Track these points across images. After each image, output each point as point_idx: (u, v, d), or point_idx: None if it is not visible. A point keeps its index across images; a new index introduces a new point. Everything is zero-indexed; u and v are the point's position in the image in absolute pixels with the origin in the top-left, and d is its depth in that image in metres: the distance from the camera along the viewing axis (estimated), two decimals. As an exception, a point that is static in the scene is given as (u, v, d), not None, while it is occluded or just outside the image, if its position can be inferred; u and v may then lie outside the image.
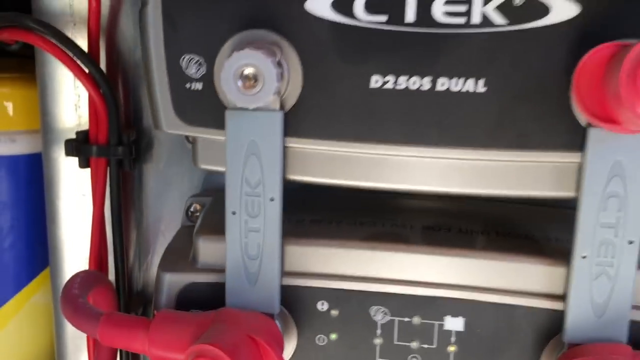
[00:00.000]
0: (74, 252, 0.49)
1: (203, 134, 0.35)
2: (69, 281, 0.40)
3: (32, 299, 0.54)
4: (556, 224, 0.39)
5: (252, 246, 0.35)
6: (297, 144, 0.34)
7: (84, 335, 0.49)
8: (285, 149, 0.34)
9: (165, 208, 0.48)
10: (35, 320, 0.54)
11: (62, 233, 0.49)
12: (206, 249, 0.37)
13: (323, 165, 0.35)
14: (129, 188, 0.48)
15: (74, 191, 0.48)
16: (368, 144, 0.33)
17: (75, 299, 0.39)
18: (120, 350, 0.48)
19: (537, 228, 0.38)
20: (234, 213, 0.35)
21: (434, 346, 0.36)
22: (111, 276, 0.47)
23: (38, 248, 0.53)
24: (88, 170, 0.46)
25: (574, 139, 0.32)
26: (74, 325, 0.38)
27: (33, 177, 0.51)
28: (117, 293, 0.47)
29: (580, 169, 0.32)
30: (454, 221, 0.39)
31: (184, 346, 0.34)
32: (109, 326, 0.36)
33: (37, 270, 0.54)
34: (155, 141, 0.47)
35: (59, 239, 0.49)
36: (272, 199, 0.34)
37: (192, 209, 0.45)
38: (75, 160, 0.46)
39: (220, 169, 0.35)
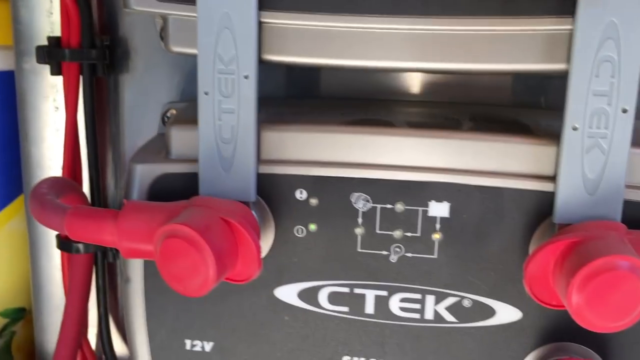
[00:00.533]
0: (48, 171, 0.47)
1: (173, 10, 0.33)
2: (38, 183, 0.38)
3: (7, 225, 0.52)
4: (548, 117, 0.37)
5: (225, 129, 0.33)
6: (273, 19, 0.32)
7: (59, 260, 0.47)
8: (260, 25, 0.33)
9: (143, 120, 0.46)
10: (11, 247, 0.52)
11: (35, 150, 0.47)
12: (179, 139, 0.35)
13: (300, 42, 0.33)
14: (104, 100, 0.46)
15: (47, 105, 0.46)
16: (347, 16, 0.32)
17: (42, 196, 0.37)
18: (96, 267, 0.46)
19: (529, 118, 0.36)
20: (206, 93, 0.33)
21: (417, 234, 0.34)
22: (86, 192, 0.46)
23: (13, 171, 0.51)
24: (62, 82, 0.44)
25: (564, 2, 0.30)
26: (41, 221, 0.36)
27: (6, 96, 0.49)
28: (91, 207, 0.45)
29: (571, 35, 0.30)
30: (438, 113, 0.37)
31: (153, 234, 0.32)
32: (76, 219, 0.34)
33: (13, 195, 0.52)
34: (131, 49, 0.45)
35: (32, 157, 0.47)
36: (246, 77, 0.33)
37: (168, 115, 0.43)
38: (48, 71, 0.44)
39: (194, 51, 0.34)
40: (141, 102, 0.46)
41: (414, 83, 0.43)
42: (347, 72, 0.44)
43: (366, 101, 0.41)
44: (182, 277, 0.31)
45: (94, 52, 0.43)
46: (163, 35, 0.35)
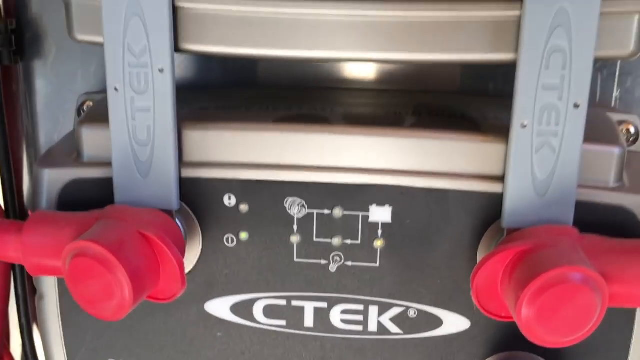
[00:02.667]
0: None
1: (75, -6, 0.29)
2: None
3: None
4: (496, 108, 0.35)
5: (141, 129, 0.30)
6: (190, 3, 0.28)
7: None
8: (175, 11, 0.29)
9: (59, 112, 0.41)
10: None
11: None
12: (91, 140, 0.32)
13: (222, 30, 0.29)
14: (14, 89, 0.41)
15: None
16: (276, 0, 0.28)
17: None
18: (14, 276, 0.42)
19: (475, 109, 0.34)
20: (116, 89, 0.29)
21: (358, 242, 0.31)
22: (-2, 194, 0.42)
23: None
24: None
25: (513, -14, 0.27)
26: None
27: None
28: (5, 212, 0.41)
29: (519, 22, 0.27)
30: (381, 104, 0.34)
31: (62, 249, 0.29)
32: (-26, 233, 0.31)
33: None
34: (42, 33, 0.40)
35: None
36: (161, 70, 0.29)
37: (84, 108, 0.39)
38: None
39: (100, 39, 0.30)
40: (56, 92, 0.41)
41: (357, 70, 0.40)
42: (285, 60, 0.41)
43: (303, 91, 0.38)
44: (95, 300, 0.28)
45: (-2, 38, 0.38)
46: (66, 20, 0.31)
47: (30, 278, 0.44)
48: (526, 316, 0.26)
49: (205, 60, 0.41)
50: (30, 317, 0.44)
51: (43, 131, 0.42)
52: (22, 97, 0.41)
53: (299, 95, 0.37)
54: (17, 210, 0.42)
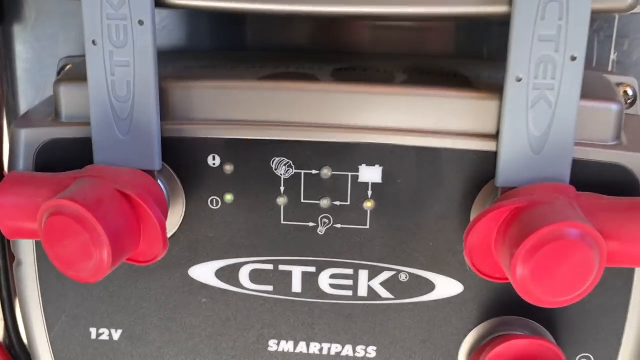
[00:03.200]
0: None
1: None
2: None
3: None
4: (489, 68, 0.33)
5: (120, 85, 0.28)
6: (171, -49, 0.27)
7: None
8: (155, -43, 0.27)
9: (39, 77, 0.40)
10: None
11: None
12: (69, 98, 0.30)
13: (205, -19, 0.28)
14: (-7, 54, 0.40)
15: None
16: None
17: None
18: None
19: (467, 69, 0.32)
20: (94, 43, 0.28)
21: (347, 203, 0.30)
22: (-22, 160, 0.40)
23: None
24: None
25: None
26: None
27: None
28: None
29: (514, -29, 0.26)
30: (372, 65, 0.33)
31: (38, 210, 0.28)
32: (-53, 194, 0.29)
33: None
34: (21, -5, 0.39)
35: None
36: (140, 22, 0.27)
37: (66, 71, 0.37)
38: None
39: (78, -8, 0.28)
40: (36, 56, 0.40)
41: (349, 34, 0.39)
42: (275, 23, 0.40)
43: (292, 53, 0.37)
44: (72, 261, 0.27)
45: (-26, -2, 0.37)
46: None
47: (9, 247, 0.43)
48: (521, 274, 0.25)
49: (192, 24, 0.39)
50: (11, 290, 0.43)
51: (23, 97, 0.41)
52: (2, 62, 0.40)
53: (287, 56, 0.35)
54: (-2, 178, 0.41)
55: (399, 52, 0.38)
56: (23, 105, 0.41)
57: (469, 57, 0.38)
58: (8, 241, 0.41)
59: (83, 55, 0.37)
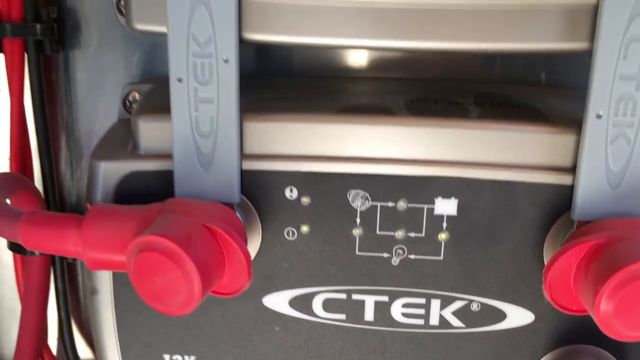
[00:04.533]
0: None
1: (137, -18, 0.28)
2: (-18, 182, 0.33)
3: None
4: (556, 98, 0.34)
5: (204, 121, 0.29)
6: (256, -8, 0.28)
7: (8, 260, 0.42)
8: (240, 0, 0.28)
9: (99, 103, 0.40)
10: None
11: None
12: (149, 131, 0.31)
13: (287, 19, 0.28)
14: (54, 79, 0.40)
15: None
16: (343, -11, 0.27)
17: (-11, 199, 0.32)
18: (54, 270, 0.41)
19: (538, 100, 0.33)
20: (179, 80, 0.28)
21: (422, 234, 0.31)
22: (38, 185, 0.41)
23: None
24: (4, 62, 0.38)
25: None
26: (-11, 230, 0.31)
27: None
28: (45, 204, 0.40)
29: (595, 10, 0.27)
30: (441, 94, 0.33)
31: (124, 244, 0.28)
32: (32, 225, 0.30)
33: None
34: (82, 22, 0.39)
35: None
36: (226, 61, 0.28)
37: (130, 99, 0.38)
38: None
39: (162, 28, 0.29)
40: (96, 82, 0.40)
41: (396, 57, 0.40)
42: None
43: (355, 81, 0.37)
44: (163, 295, 0.27)
45: (40, 26, 0.37)
46: (123, 9, 0.30)
47: (70, 271, 0.44)
48: (605, 311, 0.26)
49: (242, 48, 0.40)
50: (69, 312, 0.43)
51: (82, 122, 0.41)
52: (62, 87, 0.40)
53: (350, 86, 0.36)
54: (57, 201, 0.41)
55: (461, 78, 0.39)
56: (82, 129, 0.41)
57: (529, 83, 0.38)
58: (63, 266, 0.42)
59: (145, 82, 0.39)
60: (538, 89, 0.36)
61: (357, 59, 0.39)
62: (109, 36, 0.39)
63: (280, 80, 0.38)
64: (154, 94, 0.35)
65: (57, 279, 0.42)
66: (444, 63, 0.39)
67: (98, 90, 0.40)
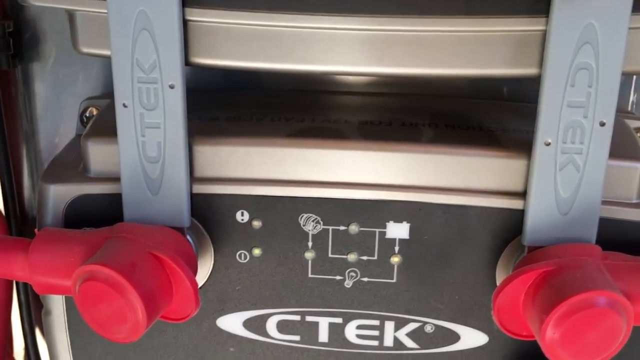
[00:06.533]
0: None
1: (79, 6, 0.28)
2: None
3: None
4: (514, 116, 0.34)
5: (150, 146, 0.29)
6: (201, 17, 0.27)
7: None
8: (186, 23, 0.27)
9: (59, 116, 0.40)
10: None
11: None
12: (98, 154, 0.30)
13: (233, 44, 0.28)
14: (13, 93, 0.40)
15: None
16: (290, 14, 0.27)
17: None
18: (17, 283, 0.41)
19: (492, 120, 0.33)
20: (125, 105, 0.28)
21: (374, 258, 0.30)
22: (-2, 199, 0.40)
23: None
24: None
25: (537, 0, 0.26)
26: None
27: None
28: (6, 218, 0.40)
29: (544, 37, 0.27)
30: (395, 115, 0.33)
31: (71, 269, 0.28)
32: (-21, 251, 0.30)
33: None
34: (40, 35, 0.39)
35: None
36: (171, 86, 0.28)
37: (87, 114, 0.37)
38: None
39: (107, 52, 0.28)
40: (56, 96, 0.40)
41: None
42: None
43: (312, 96, 0.37)
44: (108, 323, 0.27)
45: (-5, 41, 0.37)
46: (70, 31, 0.30)
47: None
48: (550, 339, 0.26)
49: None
50: (33, 323, 0.43)
51: (43, 135, 0.41)
52: (22, 101, 0.40)
53: (308, 102, 0.36)
54: (18, 215, 0.41)
55: (417, 93, 0.38)
56: (42, 143, 0.41)
57: (490, 96, 0.38)
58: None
59: (103, 97, 0.38)
60: (497, 105, 0.36)
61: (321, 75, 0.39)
62: (67, 49, 0.39)
63: (238, 94, 0.37)
64: (107, 113, 0.34)
65: (20, 292, 0.42)
66: (403, 79, 0.38)
67: (57, 103, 0.40)
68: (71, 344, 0.33)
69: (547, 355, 0.26)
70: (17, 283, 0.42)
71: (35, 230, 0.30)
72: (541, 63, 0.27)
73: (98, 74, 0.39)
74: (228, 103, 0.35)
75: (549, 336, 0.26)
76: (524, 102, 0.37)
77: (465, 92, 0.38)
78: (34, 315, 0.43)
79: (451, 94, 0.38)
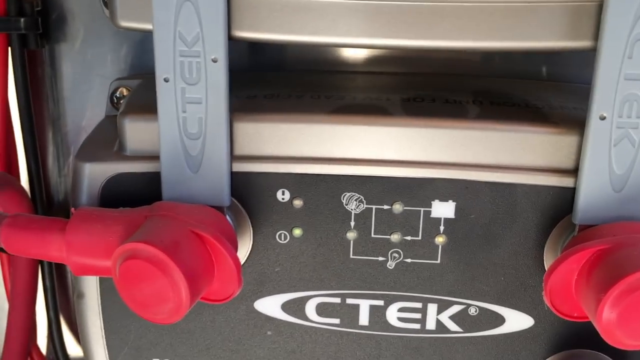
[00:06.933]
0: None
1: (120, -23, 0.27)
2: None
3: None
4: (559, 94, 0.33)
5: (192, 122, 0.28)
6: (245, -13, 0.27)
7: None
8: (229, -5, 0.27)
9: (86, 98, 0.39)
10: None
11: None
12: (135, 132, 0.30)
13: (278, 16, 0.27)
14: (40, 74, 0.39)
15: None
16: (336, -15, 0.26)
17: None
18: (42, 267, 0.40)
19: (537, 98, 0.32)
20: (166, 80, 0.27)
21: (418, 238, 0.30)
22: (24, 182, 0.40)
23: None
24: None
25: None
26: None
27: None
28: (32, 202, 0.39)
29: (599, 8, 0.26)
30: (438, 92, 0.32)
31: (110, 249, 0.27)
32: (14, 230, 0.29)
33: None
34: (68, 15, 0.38)
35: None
36: (214, 60, 0.27)
37: (118, 94, 0.37)
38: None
39: (147, 26, 0.28)
40: (83, 77, 0.39)
41: (392, 51, 0.38)
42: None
43: (347, 75, 0.36)
44: (149, 304, 0.26)
45: (23, 20, 0.36)
46: (108, 4, 0.29)
47: (59, 268, 0.43)
48: (607, 320, 0.25)
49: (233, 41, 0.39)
50: (58, 310, 0.42)
51: (70, 118, 0.40)
52: (48, 82, 0.39)
53: (346, 82, 0.35)
54: (44, 200, 0.40)
55: (459, 73, 0.37)
56: (69, 125, 0.40)
57: (528, 77, 0.37)
58: (51, 263, 0.41)
59: (133, 77, 0.37)
60: (539, 84, 0.35)
61: (353, 54, 0.38)
62: (95, 29, 0.38)
63: (272, 74, 0.37)
64: (141, 91, 0.34)
65: (45, 277, 0.41)
66: (442, 58, 0.38)
67: (85, 85, 0.39)
68: (104, 328, 0.32)
69: (603, 337, 0.25)
70: (42, 269, 0.41)
71: (72, 209, 0.29)
72: (596, 35, 0.26)
73: (126, 55, 0.38)
74: (264, 82, 0.34)
75: (605, 316, 0.25)
76: (564, 82, 0.36)
77: (503, 73, 0.38)
78: (59, 303, 0.42)
79: (490, 75, 0.37)
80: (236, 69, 0.39)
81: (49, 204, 0.41)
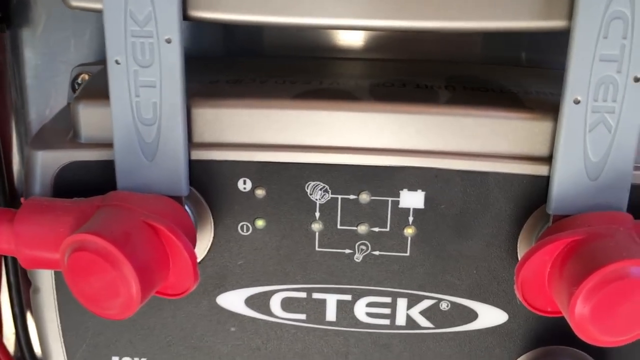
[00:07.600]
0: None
1: (68, -47, 0.25)
2: None
3: None
4: (535, 79, 0.32)
5: (146, 107, 0.26)
6: (199, -36, 0.25)
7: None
8: (183, -28, 0.25)
9: (50, 85, 0.38)
10: None
11: None
12: (89, 118, 0.28)
13: (235, -6, 0.26)
14: (1, 61, 0.38)
15: None
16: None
17: None
18: (6, 263, 0.39)
19: (512, 83, 0.30)
20: (118, 62, 0.26)
21: (387, 229, 0.28)
22: (-14, 173, 0.38)
23: None
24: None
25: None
26: None
27: None
28: (-6, 193, 0.38)
29: (574, -15, 0.24)
30: (409, 78, 0.31)
31: (59, 241, 0.26)
32: (-39, 223, 0.27)
33: None
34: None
35: None
36: (168, 41, 0.25)
37: (79, 81, 0.35)
38: None
39: (98, 5, 0.26)
40: (46, 63, 0.38)
41: (367, 37, 0.37)
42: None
43: (318, 61, 0.35)
44: (99, 298, 0.25)
45: (-19, 3, 0.34)
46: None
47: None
48: (580, 314, 0.24)
49: (207, 27, 0.37)
50: (23, 305, 0.41)
51: (33, 106, 0.39)
52: (10, 69, 0.38)
53: (314, 67, 0.33)
54: (7, 190, 0.39)
55: (432, 59, 0.36)
56: (33, 114, 0.39)
57: (507, 63, 0.36)
58: (15, 258, 0.40)
59: (97, 64, 0.36)
60: (516, 69, 0.34)
61: (329, 38, 0.37)
62: (57, 13, 0.37)
63: (241, 60, 0.35)
64: (100, 77, 0.32)
65: (10, 273, 0.40)
66: (417, 43, 0.36)
67: (48, 72, 0.38)
68: (61, 324, 0.31)
69: (576, 332, 0.24)
70: (6, 264, 0.40)
71: (22, 199, 0.28)
72: (570, 14, 0.25)
73: (90, 41, 0.37)
74: (229, 67, 0.33)
75: (578, 311, 0.24)
76: (544, 68, 0.35)
77: (481, 58, 0.36)
78: (25, 299, 0.41)
79: (466, 61, 0.36)
80: (210, 55, 0.39)
81: (12, 196, 0.39)
